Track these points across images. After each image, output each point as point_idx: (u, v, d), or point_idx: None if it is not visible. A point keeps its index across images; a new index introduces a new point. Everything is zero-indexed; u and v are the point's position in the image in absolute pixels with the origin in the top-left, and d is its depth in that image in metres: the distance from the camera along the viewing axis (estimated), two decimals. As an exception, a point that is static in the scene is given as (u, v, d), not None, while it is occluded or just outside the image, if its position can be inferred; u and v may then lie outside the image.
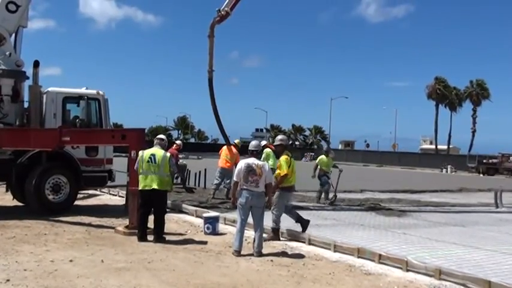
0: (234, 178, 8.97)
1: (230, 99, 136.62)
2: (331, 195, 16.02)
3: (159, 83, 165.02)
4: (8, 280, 6.62)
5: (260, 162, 8.87)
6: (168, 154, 9.69)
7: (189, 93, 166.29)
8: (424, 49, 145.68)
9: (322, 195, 16.17)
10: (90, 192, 16.64)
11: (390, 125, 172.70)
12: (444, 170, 51.49)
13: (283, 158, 9.94)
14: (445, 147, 77.91)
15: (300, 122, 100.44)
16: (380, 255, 8.26)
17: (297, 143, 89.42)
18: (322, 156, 16.41)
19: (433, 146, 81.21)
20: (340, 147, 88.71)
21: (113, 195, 16.98)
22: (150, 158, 9.52)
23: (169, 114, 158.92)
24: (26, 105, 13.14)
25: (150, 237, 9.59)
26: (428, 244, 9.76)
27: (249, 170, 8.72)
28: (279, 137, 10.59)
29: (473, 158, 51.73)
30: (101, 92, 13.31)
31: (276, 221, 9.98)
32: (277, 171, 9.97)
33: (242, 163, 8.86)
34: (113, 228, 10.73)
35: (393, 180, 30.29)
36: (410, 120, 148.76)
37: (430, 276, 7.42)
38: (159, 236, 9.56)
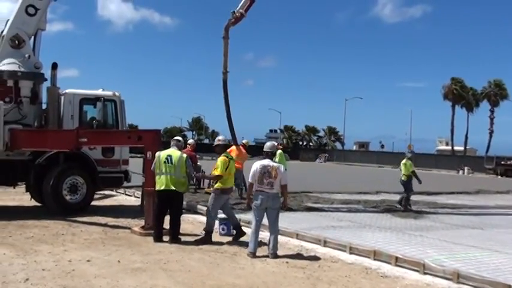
0: (249, 179, 8.96)
1: (245, 100, 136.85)
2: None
3: (174, 84, 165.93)
4: (27, 279, 6.70)
5: (275, 164, 8.86)
6: (185, 155, 9.73)
7: (204, 94, 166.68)
8: (440, 49, 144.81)
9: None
10: (106, 192, 16.76)
11: (405, 126, 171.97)
12: (461, 172, 50.90)
13: (220, 159, 9.85)
14: (462, 148, 77.07)
15: (314, 123, 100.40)
16: (397, 258, 8.21)
17: (311, 144, 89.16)
18: (410, 162, 16.00)
19: (449, 147, 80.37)
20: (354, 148, 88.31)
21: (129, 195, 17.07)
22: (166, 158, 9.57)
23: (184, 115, 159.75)
24: (43, 106, 13.31)
25: (166, 238, 9.65)
26: (446, 247, 9.67)
27: (264, 171, 8.72)
28: (219, 137, 10.61)
29: (490, 159, 50.99)
30: (117, 94, 13.41)
31: (209, 223, 9.89)
32: (213, 171, 9.99)
33: (257, 165, 8.86)
34: (129, 228, 10.81)
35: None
36: (425, 121, 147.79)
37: (448, 279, 7.36)
38: (175, 236, 9.60)
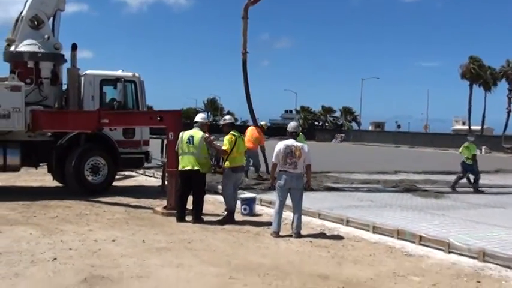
0: (273, 159, 8.93)
1: (260, 81, 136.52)
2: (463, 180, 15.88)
3: (190, 65, 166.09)
4: (55, 259, 6.79)
5: (299, 144, 8.80)
6: (207, 135, 9.70)
7: (219, 76, 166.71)
8: (458, 28, 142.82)
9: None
10: (126, 173, 16.87)
11: (421, 106, 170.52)
12: (478, 151, 50.42)
13: (227, 137, 9.77)
14: (479, 127, 76.31)
15: (330, 103, 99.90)
16: (421, 237, 8.18)
17: (326, 124, 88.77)
18: (473, 145, 16.11)
19: (466, 127, 79.60)
20: (370, 128, 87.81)
21: (149, 176, 17.19)
22: (188, 139, 9.58)
23: (199, 96, 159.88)
24: (63, 88, 13.36)
25: (188, 218, 9.70)
26: (469, 226, 9.60)
27: (288, 151, 8.68)
28: (226, 116, 10.51)
29: (509, 139, 50.50)
30: (137, 75, 13.40)
31: (228, 202, 9.88)
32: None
33: (281, 144, 8.81)
34: (151, 208, 10.88)
35: (426, 161, 29.86)
36: (442, 101, 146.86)
37: (474, 258, 7.31)
38: (198, 216, 9.65)
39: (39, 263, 6.62)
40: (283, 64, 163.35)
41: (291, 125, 9.19)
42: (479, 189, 15.56)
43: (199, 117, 10.16)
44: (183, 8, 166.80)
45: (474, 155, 15.72)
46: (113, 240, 7.98)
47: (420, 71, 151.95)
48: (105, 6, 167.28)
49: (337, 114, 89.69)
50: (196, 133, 9.68)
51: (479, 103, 76.28)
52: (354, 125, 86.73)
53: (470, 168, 15.73)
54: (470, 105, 74.88)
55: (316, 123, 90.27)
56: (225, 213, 10.02)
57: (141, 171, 17.32)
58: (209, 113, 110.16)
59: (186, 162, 9.56)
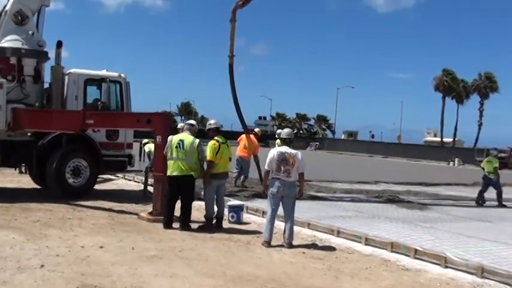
0: (266, 167, 8.74)
1: (235, 87, 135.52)
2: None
3: (164, 68, 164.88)
4: (42, 266, 6.46)
5: (293, 151, 8.61)
6: (197, 141, 9.43)
7: (194, 80, 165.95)
8: (431, 41, 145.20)
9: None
10: (105, 176, 16.45)
11: (393, 116, 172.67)
12: (451, 163, 51.16)
13: (210, 144, 9.53)
14: (451, 139, 77.47)
15: (304, 110, 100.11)
16: (416, 250, 8.07)
17: (301, 131, 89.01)
18: (496, 159, 16.27)
19: (437, 139, 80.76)
20: (342, 136, 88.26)
21: (128, 180, 16.82)
22: (178, 143, 9.31)
23: (173, 100, 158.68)
24: (44, 86, 12.94)
25: (175, 225, 9.42)
26: (460, 239, 9.55)
27: (282, 159, 8.49)
28: (211, 121, 10.13)
29: (481, 152, 51.04)
30: (122, 75, 13.09)
31: (207, 208, 9.69)
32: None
33: (274, 151, 8.63)
34: (136, 214, 10.58)
35: (403, 172, 30.10)
36: (413, 112, 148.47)
37: (471, 274, 7.22)
38: (186, 223, 9.39)
39: (27, 269, 6.28)
40: (259, 70, 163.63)
41: (285, 132, 9.01)
42: (503, 203, 15.65)
43: (189, 122, 9.92)
44: (160, 10, 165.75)
45: (496, 168, 15.85)
46: (101, 247, 7.67)
47: (392, 81, 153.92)
48: (81, 5, 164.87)
49: (312, 122, 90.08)
50: (187, 137, 9.42)
51: (452, 115, 77.61)
52: (328, 133, 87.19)
53: (492, 182, 15.83)
54: (443, 118, 76.09)
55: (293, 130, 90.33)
56: (213, 220, 9.78)
57: (120, 175, 16.93)
58: (182, 117, 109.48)
59: (175, 168, 9.29)
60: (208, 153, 9.48)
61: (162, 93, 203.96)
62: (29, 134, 12.29)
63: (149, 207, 11.10)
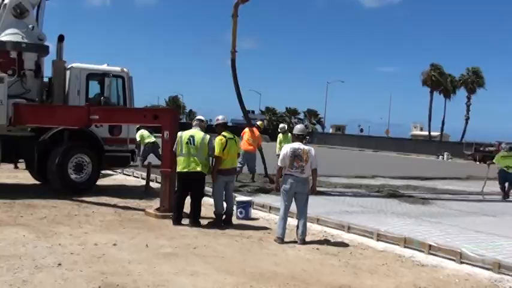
0: (279, 163, 8.67)
1: (224, 81, 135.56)
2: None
3: (152, 62, 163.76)
4: (59, 264, 6.35)
5: (306, 147, 8.55)
6: (208, 136, 9.34)
7: (182, 74, 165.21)
8: (419, 36, 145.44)
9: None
10: (103, 172, 16.28)
11: (379, 110, 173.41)
12: (440, 157, 51.53)
13: (217, 140, 9.42)
14: (438, 133, 78.07)
15: (294, 104, 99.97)
16: (430, 246, 8.06)
17: (291, 125, 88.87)
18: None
19: (424, 132, 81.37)
20: (331, 131, 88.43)
21: (127, 175, 16.67)
22: (189, 139, 9.20)
23: (161, 94, 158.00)
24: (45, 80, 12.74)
25: (184, 221, 9.34)
26: (470, 235, 9.54)
27: (295, 155, 8.43)
28: (219, 116, 9.95)
29: (470, 146, 51.57)
30: (125, 69, 12.92)
31: (217, 205, 9.62)
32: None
33: (288, 148, 8.57)
34: (142, 210, 10.48)
35: (396, 166, 30.18)
36: (400, 106, 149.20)
37: (487, 269, 7.23)
38: (196, 220, 9.31)
39: (44, 268, 6.17)
40: (247, 65, 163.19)
41: (298, 128, 8.93)
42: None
43: (198, 117, 9.81)
44: (147, 3, 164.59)
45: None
46: (114, 244, 7.57)
47: (380, 76, 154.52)
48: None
49: (301, 116, 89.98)
50: (197, 133, 9.32)
51: (439, 110, 78.17)
52: (318, 128, 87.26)
53: (509, 176, 15.90)
54: (431, 112, 76.55)
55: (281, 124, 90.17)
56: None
57: (119, 170, 16.77)
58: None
59: (186, 164, 9.18)
60: (216, 148, 9.40)
61: (150, 87, 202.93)
62: (29, 129, 12.08)
63: (154, 203, 11.05)
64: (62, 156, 11.72)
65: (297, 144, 8.58)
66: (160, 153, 14.51)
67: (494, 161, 16.62)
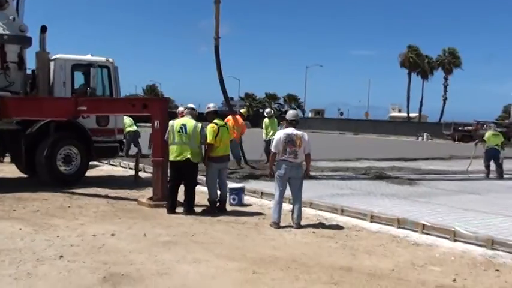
0: (272, 149, 8.74)
1: (200, 68, 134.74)
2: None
3: (129, 50, 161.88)
4: (61, 256, 6.33)
5: (299, 132, 8.62)
6: (200, 124, 9.35)
7: (159, 61, 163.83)
8: (396, 18, 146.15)
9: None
10: (90, 162, 16.17)
11: (358, 93, 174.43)
12: (420, 138, 52.18)
13: (209, 127, 9.49)
14: (416, 114, 78.97)
15: (273, 90, 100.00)
16: (424, 225, 8.22)
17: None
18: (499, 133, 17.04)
19: (402, 114, 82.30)
20: (310, 115, 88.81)
21: (114, 165, 16.59)
22: (181, 128, 9.21)
23: (139, 83, 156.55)
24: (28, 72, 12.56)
25: (178, 210, 9.37)
26: (459, 213, 9.75)
27: (288, 140, 8.51)
28: (209, 104, 10.00)
29: (448, 126, 52.25)
30: (110, 60, 12.79)
31: (210, 192, 9.71)
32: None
33: (281, 133, 8.64)
34: (134, 200, 10.47)
35: (378, 147, 30.49)
36: (378, 89, 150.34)
37: (481, 246, 7.41)
38: (190, 208, 9.34)
39: (46, 261, 6.15)
40: (225, 51, 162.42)
41: (290, 113, 8.98)
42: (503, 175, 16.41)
43: (190, 106, 9.80)
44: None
45: (502, 142, 16.60)
46: (112, 235, 7.57)
47: (357, 59, 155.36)
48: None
49: (281, 101, 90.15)
50: (189, 122, 9.32)
51: (417, 91, 78.96)
52: (298, 112, 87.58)
53: (498, 154, 16.37)
54: (409, 93, 77.31)
55: (261, 110, 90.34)
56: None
57: (105, 161, 16.65)
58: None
59: (178, 152, 9.19)
60: (208, 136, 9.42)
61: (128, 75, 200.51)
62: (14, 122, 11.93)
63: (145, 193, 11.06)
64: (50, 148, 11.61)
65: (290, 130, 8.64)
66: (148, 142, 14.58)
67: (485, 138, 16.90)
